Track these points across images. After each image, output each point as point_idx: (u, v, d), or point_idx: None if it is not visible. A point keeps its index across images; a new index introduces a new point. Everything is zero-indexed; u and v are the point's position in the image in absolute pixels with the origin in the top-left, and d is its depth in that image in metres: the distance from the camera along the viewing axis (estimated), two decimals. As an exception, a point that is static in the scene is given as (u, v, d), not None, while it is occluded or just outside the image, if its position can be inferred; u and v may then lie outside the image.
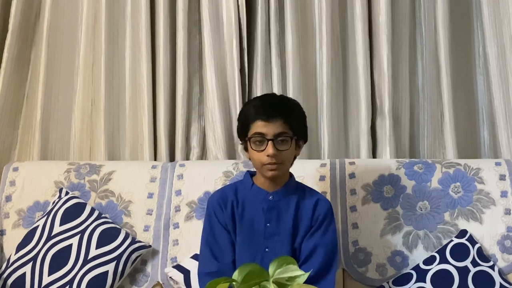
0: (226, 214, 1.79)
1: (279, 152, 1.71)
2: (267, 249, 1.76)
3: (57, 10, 2.52)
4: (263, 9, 2.46)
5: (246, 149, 1.80)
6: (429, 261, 2.00)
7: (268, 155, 1.70)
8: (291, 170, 1.85)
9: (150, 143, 2.46)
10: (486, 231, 2.04)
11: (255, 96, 2.45)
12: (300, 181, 2.04)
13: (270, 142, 1.70)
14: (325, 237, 1.76)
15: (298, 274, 1.23)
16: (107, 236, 2.07)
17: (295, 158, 1.83)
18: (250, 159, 1.82)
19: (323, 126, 2.41)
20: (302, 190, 1.85)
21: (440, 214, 2.09)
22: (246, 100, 2.46)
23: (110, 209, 2.18)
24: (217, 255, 1.76)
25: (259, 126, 1.72)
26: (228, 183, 2.08)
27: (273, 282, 1.22)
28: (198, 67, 2.54)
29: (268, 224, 1.77)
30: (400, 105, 2.45)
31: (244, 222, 1.78)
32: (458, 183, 2.11)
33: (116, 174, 2.24)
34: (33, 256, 2.05)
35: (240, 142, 1.84)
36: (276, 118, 1.71)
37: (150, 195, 2.20)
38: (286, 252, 1.74)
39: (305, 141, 1.85)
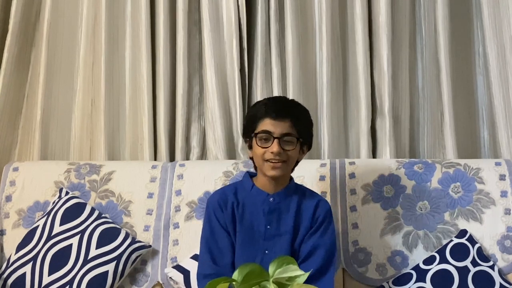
0: (226, 215, 1.78)
1: (284, 151, 1.72)
2: (266, 251, 1.75)
3: (57, 10, 2.52)
4: (263, 9, 2.46)
5: (250, 147, 1.80)
6: (429, 261, 2.00)
7: (272, 152, 1.70)
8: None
9: (150, 143, 2.46)
10: (486, 231, 2.05)
11: (255, 96, 2.46)
12: (300, 181, 2.04)
13: (276, 140, 1.71)
14: (324, 238, 1.76)
15: (298, 274, 1.22)
16: (107, 236, 2.07)
17: (297, 163, 1.83)
18: (251, 159, 1.82)
19: (323, 126, 2.41)
20: (303, 192, 1.84)
21: (440, 214, 2.09)
22: (246, 100, 2.47)
23: (110, 209, 2.18)
24: (216, 256, 1.75)
25: (267, 124, 1.73)
26: (228, 183, 2.08)
27: (273, 282, 1.21)
28: (198, 67, 2.54)
29: (268, 227, 1.77)
30: (400, 105, 2.45)
31: (244, 224, 1.78)
32: (458, 183, 2.11)
33: (116, 174, 2.24)
34: (33, 256, 2.05)
35: (245, 139, 1.84)
36: (285, 119, 1.73)
37: (150, 195, 2.20)
38: (286, 253, 1.73)
39: (309, 148, 1.85)
